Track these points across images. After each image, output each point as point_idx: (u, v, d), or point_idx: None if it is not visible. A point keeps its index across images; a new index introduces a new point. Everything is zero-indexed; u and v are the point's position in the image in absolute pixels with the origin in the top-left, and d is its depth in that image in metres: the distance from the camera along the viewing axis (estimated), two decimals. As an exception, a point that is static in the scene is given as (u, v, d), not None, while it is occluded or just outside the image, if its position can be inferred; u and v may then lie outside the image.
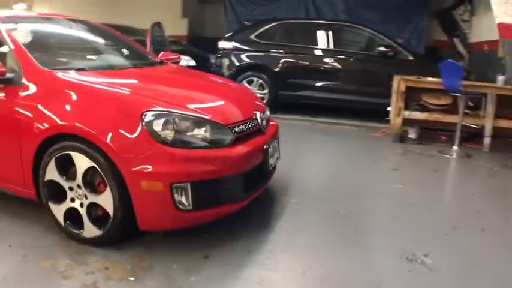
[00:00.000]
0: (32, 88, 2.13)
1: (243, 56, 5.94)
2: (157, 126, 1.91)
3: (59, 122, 1.98)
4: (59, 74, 2.19)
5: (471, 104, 4.53)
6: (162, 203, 1.90)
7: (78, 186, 2.00)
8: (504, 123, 4.34)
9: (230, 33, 6.66)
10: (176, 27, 9.37)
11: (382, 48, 5.46)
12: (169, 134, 1.92)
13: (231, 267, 1.93)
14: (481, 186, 3.54)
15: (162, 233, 2.21)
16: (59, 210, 2.09)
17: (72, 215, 2.06)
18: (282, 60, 5.78)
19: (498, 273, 2.01)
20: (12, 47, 2.23)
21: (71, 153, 1.95)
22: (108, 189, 1.92)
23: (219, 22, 9.59)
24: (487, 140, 4.40)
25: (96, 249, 2.03)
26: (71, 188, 2.02)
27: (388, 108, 5.12)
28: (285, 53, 5.77)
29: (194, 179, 1.92)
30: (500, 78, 4.42)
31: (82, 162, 1.95)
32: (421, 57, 6.13)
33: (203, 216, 2.03)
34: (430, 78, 4.55)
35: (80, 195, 2.01)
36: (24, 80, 2.14)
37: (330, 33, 5.72)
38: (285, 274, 1.93)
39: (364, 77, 5.61)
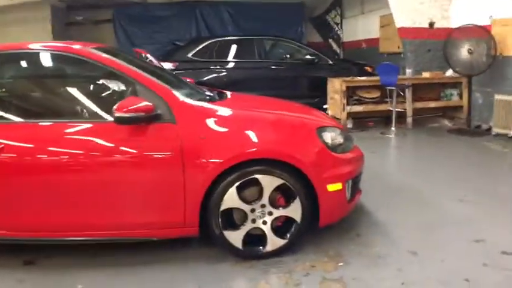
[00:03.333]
0: (189, 121, 2.27)
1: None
2: (327, 139, 2.46)
3: (247, 150, 2.26)
4: (208, 105, 2.45)
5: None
6: (340, 199, 2.46)
7: (262, 205, 2.32)
8: (419, 105, 6.18)
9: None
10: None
11: (308, 57, 6.72)
12: (333, 144, 2.48)
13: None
14: (427, 148, 5.17)
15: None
16: (237, 236, 2.34)
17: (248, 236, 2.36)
18: (223, 74, 6.39)
19: None
20: (147, 81, 2.33)
21: (258, 176, 2.27)
22: (297, 200, 2.33)
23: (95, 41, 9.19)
24: (409, 120, 6.15)
25: (278, 258, 2.38)
26: (252, 210, 2.32)
27: (325, 106, 6.40)
28: (224, 68, 6.39)
29: (352, 176, 2.55)
30: (408, 71, 6.23)
31: (270, 183, 2.29)
32: (337, 61, 7.65)
33: (352, 205, 2.66)
34: (363, 78, 6.03)
35: (263, 214, 2.34)
36: (175, 115, 2.26)
37: (261, 46, 6.67)
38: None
39: (295, 82, 6.75)
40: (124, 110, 2.13)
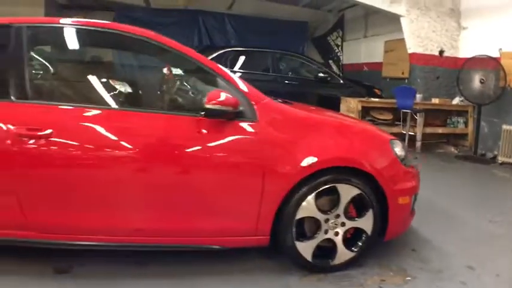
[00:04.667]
0: (271, 122, 2.24)
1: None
2: (399, 151, 2.53)
3: (329, 157, 2.28)
4: (289, 107, 2.44)
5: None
6: (406, 213, 2.54)
7: (336, 216, 2.35)
8: (428, 130, 6.45)
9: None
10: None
11: (321, 74, 6.91)
12: (402, 156, 2.56)
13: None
14: (442, 171, 5.35)
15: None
16: (308, 246, 2.34)
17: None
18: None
19: None
20: (228, 76, 2.29)
21: (338, 185, 2.30)
22: (370, 211, 2.38)
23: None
24: (418, 144, 6.39)
25: (344, 272, 2.42)
26: (326, 220, 2.35)
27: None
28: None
29: (416, 191, 2.64)
30: (418, 96, 6.51)
31: (348, 192, 2.33)
32: (347, 80, 7.83)
33: (411, 221, 2.74)
34: (377, 99, 6.25)
35: (336, 225, 2.37)
36: (257, 114, 2.20)
37: (275, 60, 6.80)
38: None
39: (307, 97, 6.86)
40: (214, 102, 2.06)
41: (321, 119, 2.57)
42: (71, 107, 2.15)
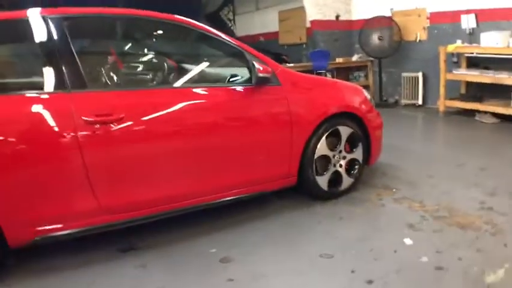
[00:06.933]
0: (289, 84, 2.84)
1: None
2: (369, 96, 3.38)
3: (333, 106, 3.00)
4: (293, 71, 3.09)
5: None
6: (380, 142, 3.42)
7: (340, 151, 3.11)
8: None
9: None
10: None
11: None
12: (372, 100, 3.43)
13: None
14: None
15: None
16: (324, 179, 3.06)
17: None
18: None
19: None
20: (252, 50, 2.79)
21: (339, 127, 3.04)
22: (360, 145, 3.19)
23: None
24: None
25: (349, 195, 3.21)
26: (333, 156, 3.08)
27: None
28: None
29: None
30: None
31: (346, 132, 3.08)
32: None
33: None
34: (292, 64, 7.16)
35: (339, 158, 3.12)
36: (279, 78, 2.77)
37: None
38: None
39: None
40: (264, 71, 2.61)
41: (322, 79, 3.32)
42: (139, 90, 2.53)
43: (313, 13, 7.78)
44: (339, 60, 7.79)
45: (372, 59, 7.66)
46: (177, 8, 10.02)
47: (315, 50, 7.24)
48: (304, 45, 9.48)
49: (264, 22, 10.60)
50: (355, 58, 7.99)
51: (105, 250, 2.53)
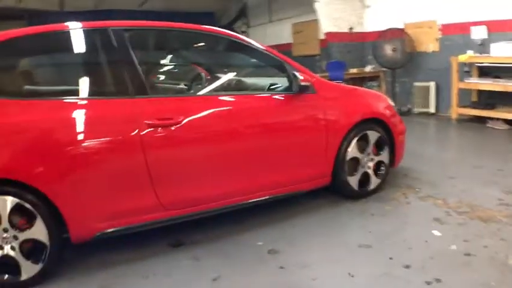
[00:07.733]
0: (323, 92, 3.14)
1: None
2: (392, 103, 3.70)
3: (362, 113, 3.31)
4: (326, 80, 3.45)
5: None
6: (403, 146, 3.72)
7: (368, 154, 3.40)
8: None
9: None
10: None
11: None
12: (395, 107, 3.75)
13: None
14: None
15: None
16: (355, 180, 3.36)
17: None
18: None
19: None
20: (290, 61, 3.11)
21: (368, 131, 3.35)
22: (386, 148, 3.48)
23: None
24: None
25: (376, 194, 3.50)
26: (362, 158, 3.38)
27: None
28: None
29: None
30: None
31: (373, 136, 3.39)
32: None
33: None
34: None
35: (368, 160, 3.41)
36: (314, 87, 3.06)
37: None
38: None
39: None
40: (305, 80, 2.94)
41: (350, 87, 3.61)
42: (195, 97, 2.92)
43: (328, 26, 8.14)
44: (353, 70, 8.13)
45: (384, 69, 7.98)
46: (191, 22, 10.61)
47: (332, 61, 7.58)
48: (317, 57, 9.82)
49: (277, 34, 10.96)
50: (368, 69, 8.32)
51: (156, 246, 2.76)
